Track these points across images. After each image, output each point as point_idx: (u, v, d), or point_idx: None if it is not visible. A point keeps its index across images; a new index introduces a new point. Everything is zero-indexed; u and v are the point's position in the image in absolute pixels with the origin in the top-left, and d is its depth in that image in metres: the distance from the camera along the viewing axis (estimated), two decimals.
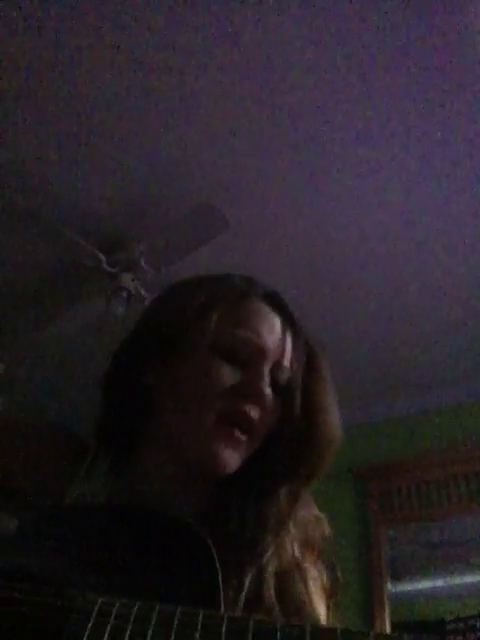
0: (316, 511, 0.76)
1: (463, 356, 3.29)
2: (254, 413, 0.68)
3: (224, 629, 0.41)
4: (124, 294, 2.76)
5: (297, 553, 0.70)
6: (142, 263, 2.73)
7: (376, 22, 2.00)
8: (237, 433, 0.68)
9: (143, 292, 2.79)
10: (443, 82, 2.15)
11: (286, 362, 0.72)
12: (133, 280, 2.77)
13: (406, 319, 3.12)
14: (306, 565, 0.70)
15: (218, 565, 0.53)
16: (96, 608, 0.44)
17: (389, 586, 3.15)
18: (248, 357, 0.70)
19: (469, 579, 3.05)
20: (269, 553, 0.66)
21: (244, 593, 0.62)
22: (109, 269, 2.76)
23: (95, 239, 2.72)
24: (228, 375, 0.68)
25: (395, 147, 2.37)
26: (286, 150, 2.41)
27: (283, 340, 0.73)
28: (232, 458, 0.67)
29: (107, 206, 2.68)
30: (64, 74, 2.20)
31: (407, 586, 3.16)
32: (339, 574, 0.74)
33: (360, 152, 2.40)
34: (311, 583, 0.69)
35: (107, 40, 2.09)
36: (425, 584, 3.13)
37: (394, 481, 3.34)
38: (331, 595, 0.72)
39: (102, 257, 2.72)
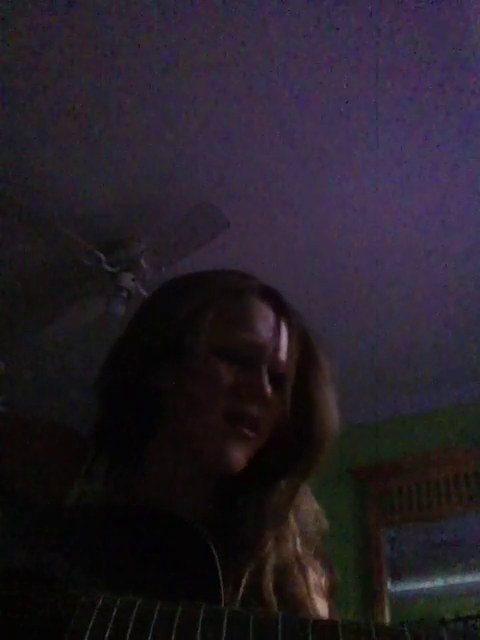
0: (316, 505, 0.76)
1: (463, 356, 3.29)
2: (257, 411, 0.69)
3: (225, 623, 0.41)
4: (124, 294, 2.76)
5: (298, 547, 0.70)
6: (142, 263, 2.73)
7: (378, 22, 2.00)
8: (244, 431, 0.69)
9: (143, 292, 2.79)
10: (446, 82, 2.15)
11: (282, 356, 0.73)
12: (133, 280, 2.77)
13: (407, 319, 3.13)
14: (306, 560, 0.71)
15: (218, 564, 0.54)
16: (98, 605, 0.44)
17: (389, 586, 3.15)
18: (247, 356, 0.71)
19: (469, 579, 3.05)
20: (268, 547, 0.67)
21: (242, 587, 0.62)
22: (109, 269, 2.76)
23: (95, 239, 2.72)
24: (229, 375, 0.69)
25: (396, 146, 2.37)
26: (286, 150, 2.41)
27: (278, 335, 0.74)
28: (241, 456, 0.68)
29: (107, 206, 2.68)
30: (64, 74, 2.20)
31: (407, 586, 3.16)
32: (337, 574, 0.74)
33: (360, 152, 2.40)
34: (311, 579, 0.69)
35: (107, 40, 2.09)
36: (425, 584, 3.13)
37: (394, 481, 3.34)
38: (330, 595, 0.72)
39: (102, 257, 2.72)
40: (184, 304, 0.72)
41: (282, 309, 0.76)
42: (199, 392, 0.69)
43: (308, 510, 0.74)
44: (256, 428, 0.69)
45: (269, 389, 0.70)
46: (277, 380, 0.72)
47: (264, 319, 0.74)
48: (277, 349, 0.73)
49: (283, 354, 0.73)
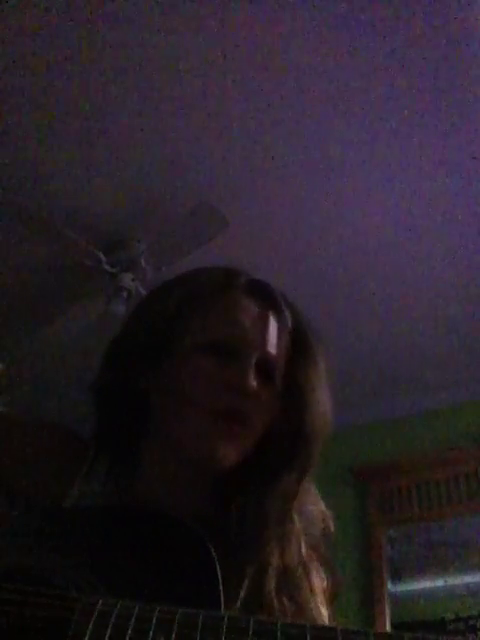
0: (323, 506, 0.75)
1: (463, 356, 3.29)
2: (245, 406, 0.68)
3: (224, 629, 0.41)
4: (124, 294, 2.76)
5: (303, 549, 0.69)
6: (142, 263, 2.73)
7: (377, 20, 2.00)
8: (233, 427, 0.68)
9: (143, 292, 2.79)
10: (446, 80, 2.15)
11: (271, 349, 0.72)
12: (133, 280, 2.77)
13: (406, 319, 3.12)
14: (311, 563, 0.70)
15: (218, 566, 0.53)
16: (97, 609, 0.44)
17: (389, 586, 3.15)
18: (233, 351, 0.70)
19: (469, 579, 3.05)
20: (271, 548, 0.66)
21: (243, 590, 0.62)
22: (109, 269, 2.76)
23: (95, 239, 2.72)
24: (215, 371, 0.69)
25: (396, 145, 2.37)
26: (286, 149, 2.41)
27: (266, 328, 0.73)
28: (230, 452, 0.67)
29: (107, 206, 2.68)
30: (64, 74, 2.19)
31: (407, 586, 3.16)
32: (340, 579, 0.73)
33: (360, 150, 2.40)
34: (314, 582, 0.69)
35: (107, 40, 2.09)
36: (425, 584, 3.13)
37: (394, 481, 3.34)
38: (331, 601, 0.71)
39: (102, 257, 2.72)
40: (168, 304, 0.73)
41: (271, 303, 0.75)
42: (185, 389, 0.69)
43: (313, 511, 0.73)
44: (245, 423, 0.68)
45: (255, 383, 0.69)
46: (266, 374, 0.71)
47: (249, 313, 0.73)
48: (264, 342, 0.72)
49: (271, 347, 0.72)
